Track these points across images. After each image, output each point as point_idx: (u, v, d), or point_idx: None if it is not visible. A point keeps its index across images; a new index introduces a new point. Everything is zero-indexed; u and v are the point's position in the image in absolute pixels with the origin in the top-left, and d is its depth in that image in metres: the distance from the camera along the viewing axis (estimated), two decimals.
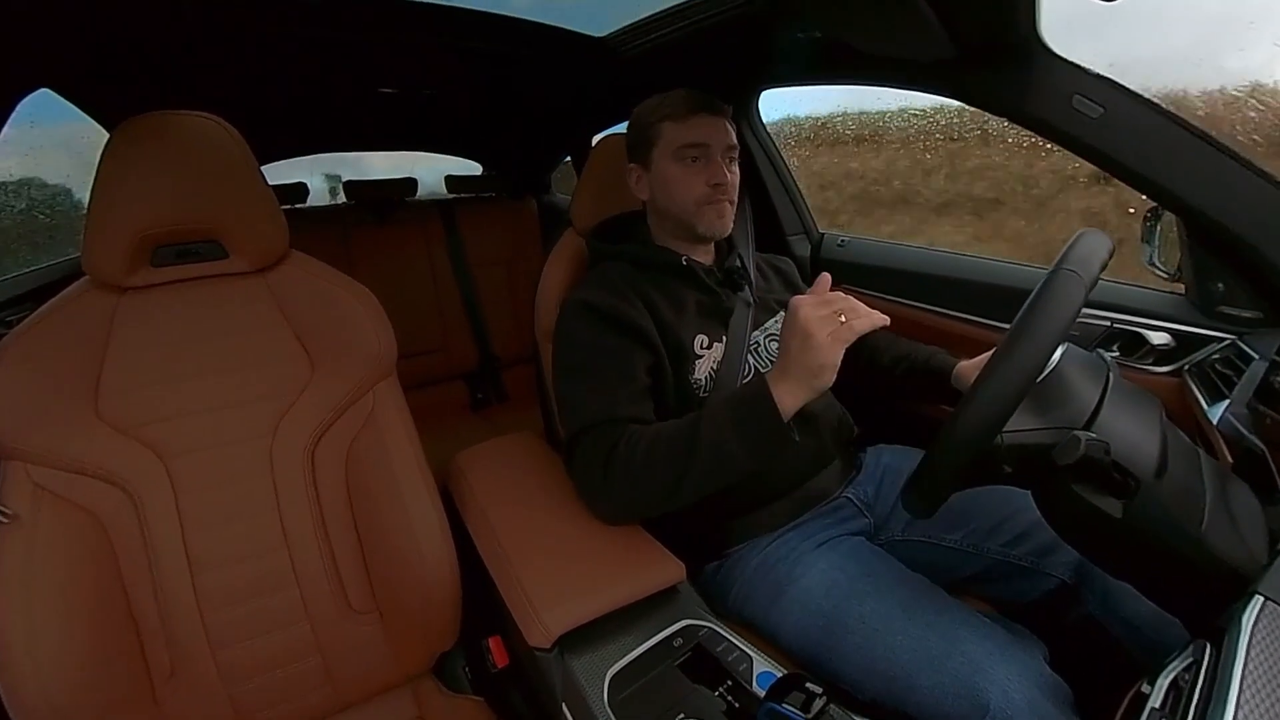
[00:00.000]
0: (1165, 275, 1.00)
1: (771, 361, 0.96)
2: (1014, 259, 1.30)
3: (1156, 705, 0.50)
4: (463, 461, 1.04)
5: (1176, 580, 0.58)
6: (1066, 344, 0.65)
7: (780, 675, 0.63)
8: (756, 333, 0.98)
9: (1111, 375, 0.64)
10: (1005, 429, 0.58)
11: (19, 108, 0.94)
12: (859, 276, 1.45)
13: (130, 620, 0.76)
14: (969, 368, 0.92)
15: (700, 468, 0.75)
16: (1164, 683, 0.51)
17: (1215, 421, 0.79)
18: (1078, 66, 0.86)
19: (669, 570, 0.77)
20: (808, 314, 0.71)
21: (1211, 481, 0.59)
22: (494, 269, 2.12)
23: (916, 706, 0.70)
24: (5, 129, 0.91)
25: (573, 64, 1.44)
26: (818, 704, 0.58)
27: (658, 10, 1.21)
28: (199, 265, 0.83)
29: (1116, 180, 0.90)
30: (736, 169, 0.97)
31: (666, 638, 0.70)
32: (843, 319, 0.70)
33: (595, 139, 1.31)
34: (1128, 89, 0.85)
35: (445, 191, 2.28)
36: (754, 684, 0.64)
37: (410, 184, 2.12)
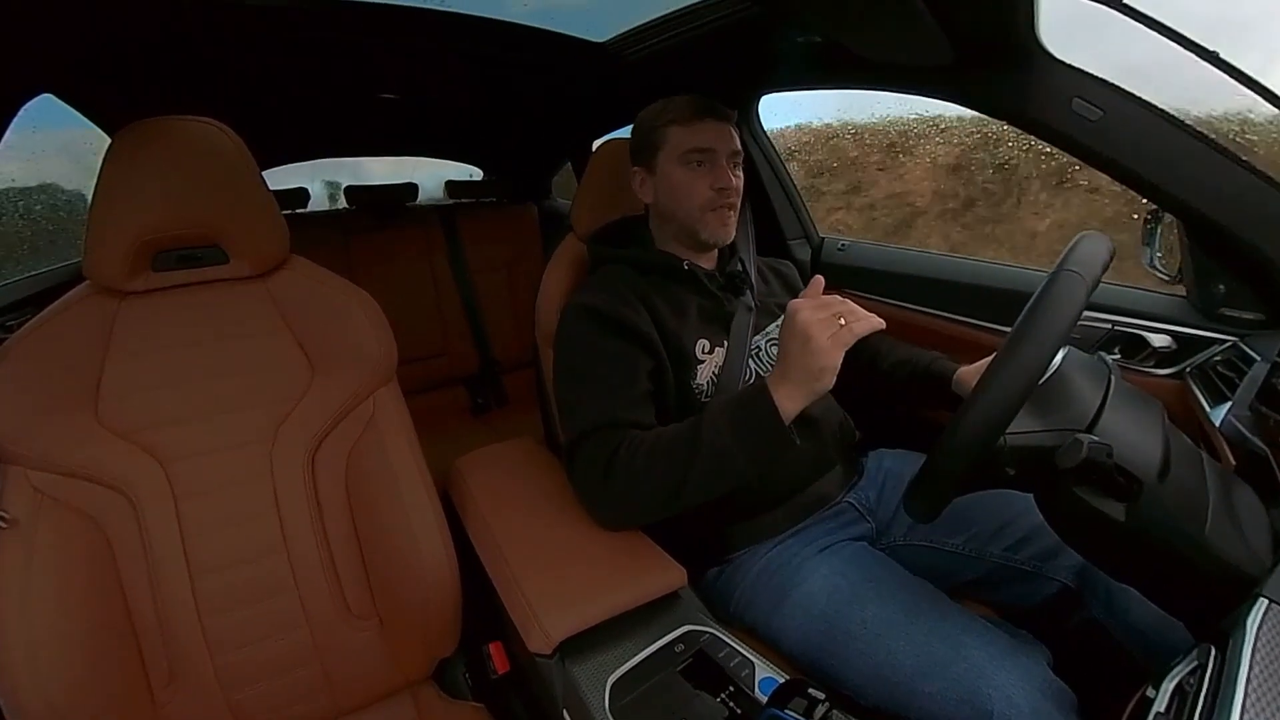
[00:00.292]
0: (1166, 277, 1.00)
1: (773, 366, 0.96)
2: (1013, 262, 1.30)
3: (1161, 709, 0.49)
4: (463, 466, 1.04)
5: (1180, 583, 0.58)
6: (1068, 347, 0.65)
7: (782, 681, 0.62)
8: (758, 337, 0.98)
9: (1113, 378, 0.64)
10: (1008, 431, 0.58)
11: (21, 113, 0.94)
12: (860, 280, 1.45)
13: (129, 625, 0.76)
14: (969, 373, 0.92)
15: (701, 472, 0.75)
16: (1169, 687, 0.51)
17: (1218, 424, 0.79)
18: (1077, 69, 0.86)
19: (670, 576, 0.77)
20: (807, 317, 0.71)
21: (1214, 484, 0.58)
22: (494, 274, 2.12)
23: (919, 712, 0.70)
24: (7, 134, 0.92)
25: (573, 69, 1.45)
26: (820, 710, 0.57)
27: (657, 15, 1.21)
28: (200, 270, 0.84)
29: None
30: (740, 175, 0.97)
31: (668, 643, 0.70)
32: (842, 322, 0.70)
33: (595, 144, 1.31)
34: (1127, 91, 0.85)
35: (445, 197, 2.29)
36: (756, 690, 0.63)
37: (411, 189, 2.12)
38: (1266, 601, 0.50)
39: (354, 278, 0.91)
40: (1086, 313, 0.79)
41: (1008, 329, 0.61)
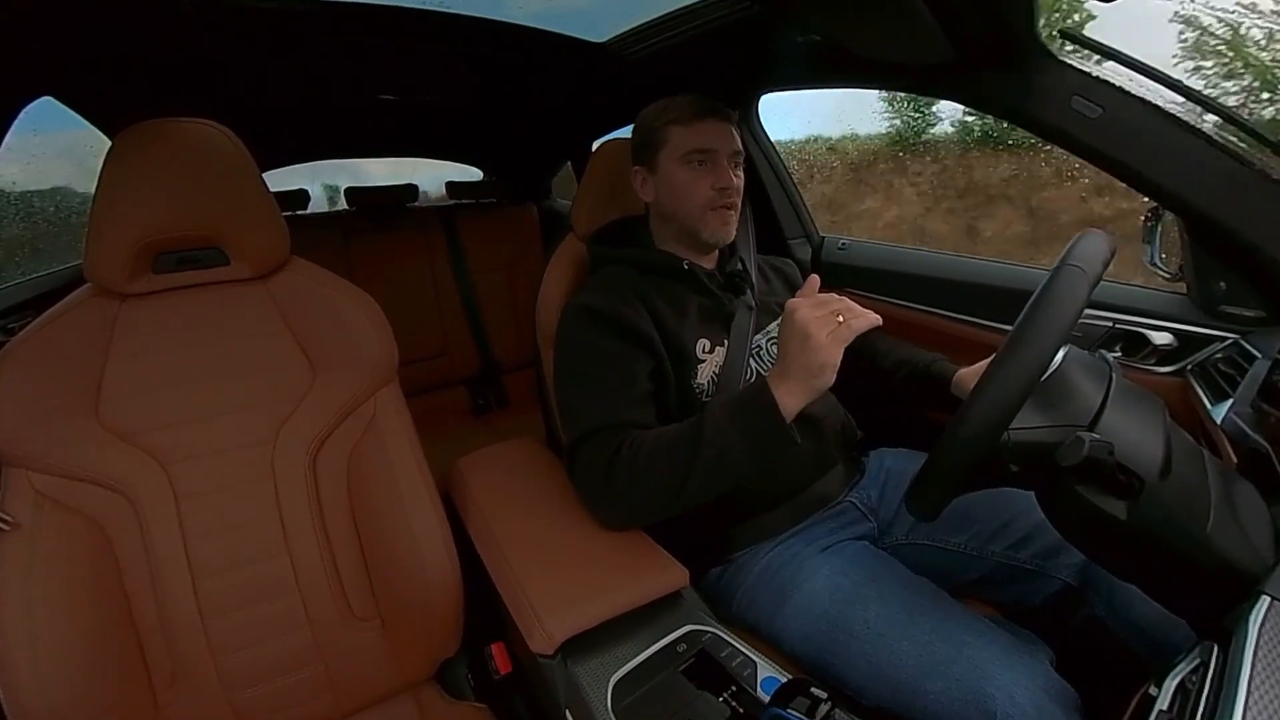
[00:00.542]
0: (1167, 275, 1.00)
1: (774, 364, 0.96)
2: (1014, 260, 1.30)
3: (1164, 707, 0.49)
4: (464, 467, 1.04)
5: (1182, 581, 0.58)
6: (1069, 345, 0.65)
7: (785, 680, 0.62)
8: (758, 336, 0.98)
9: (1114, 376, 0.64)
10: (1011, 426, 0.58)
11: (21, 115, 0.94)
12: (860, 279, 1.45)
13: (131, 626, 0.76)
14: (968, 375, 0.92)
15: (702, 471, 0.75)
16: (1171, 685, 0.51)
17: (1219, 421, 0.79)
18: (1076, 67, 0.86)
19: (672, 575, 0.77)
20: (806, 315, 0.72)
21: (1216, 482, 0.58)
22: (495, 274, 2.12)
23: (922, 712, 0.70)
24: (8, 137, 0.92)
25: (572, 70, 1.45)
26: (823, 709, 0.57)
27: (657, 15, 1.21)
28: (200, 272, 0.84)
29: None
30: (741, 175, 0.97)
31: (670, 643, 0.70)
32: (840, 319, 0.71)
33: (595, 144, 1.31)
34: (1126, 89, 0.85)
35: (446, 197, 2.29)
36: (758, 689, 0.63)
37: (411, 190, 2.12)
38: (1269, 599, 0.50)
39: (354, 279, 0.91)
40: (1087, 311, 0.79)
41: (1008, 327, 0.61)
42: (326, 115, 1.68)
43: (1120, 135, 0.86)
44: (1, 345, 0.74)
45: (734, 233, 0.97)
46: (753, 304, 0.99)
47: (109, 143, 0.77)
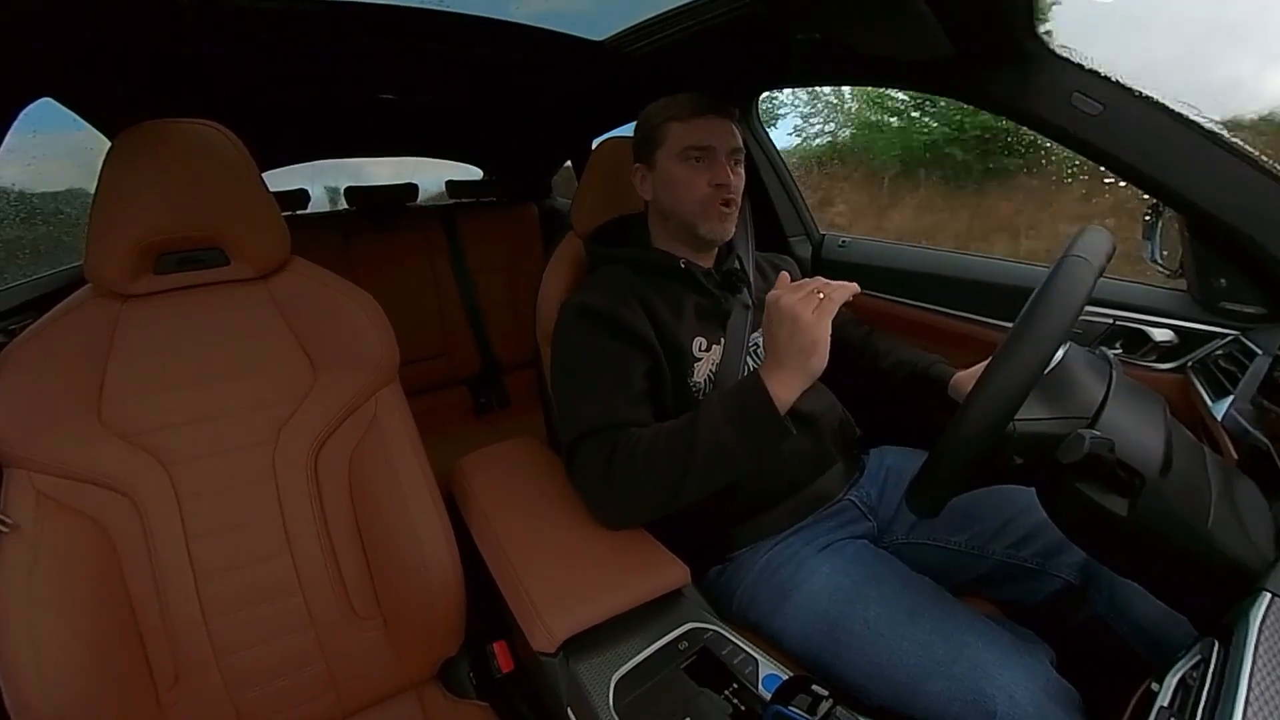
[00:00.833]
0: (1167, 272, 1.00)
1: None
2: (1015, 258, 1.30)
3: (1165, 703, 0.49)
4: (466, 466, 1.04)
5: (1183, 578, 0.58)
6: (1069, 343, 0.65)
7: (786, 678, 0.63)
8: (755, 335, 0.98)
9: (1115, 373, 0.64)
10: (1015, 418, 0.58)
11: (21, 117, 0.94)
12: (860, 277, 1.42)
13: (134, 627, 0.76)
14: (965, 377, 0.92)
15: (700, 467, 0.75)
16: (1172, 681, 0.51)
17: (1220, 418, 0.79)
18: (1076, 64, 0.86)
19: (673, 573, 0.77)
20: (787, 300, 0.73)
21: (1217, 478, 0.58)
22: (495, 274, 2.12)
23: (923, 711, 0.70)
24: (7, 138, 0.92)
25: (572, 68, 1.44)
26: (824, 706, 0.57)
27: (657, 13, 1.21)
28: (201, 272, 0.84)
29: None
30: (742, 172, 0.96)
31: (671, 641, 0.70)
32: (820, 295, 0.73)
33: (595, 142, 1.31)
34: (1127, 86, 0.85)
35: (446, 196, 2.29)
36: (760, 687, 0.63)
37: (411, 189, 2.12)
38: (1269, 595, 0.50)
39: (355, 279, 0.91)
40: (1088, 308, 0.79)
41: (1008, 325, 0.61)
42: (326, 115, 1.68)
43: (1121, 132, 0.86)
44: (3, 347, 0.74)
45: (732, 230, 0.97)
46: (749, 302, 0.99)
47: (108, 144, 0.77)
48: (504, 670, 0.88)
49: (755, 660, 0.67)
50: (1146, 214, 1.00)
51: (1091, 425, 0.58)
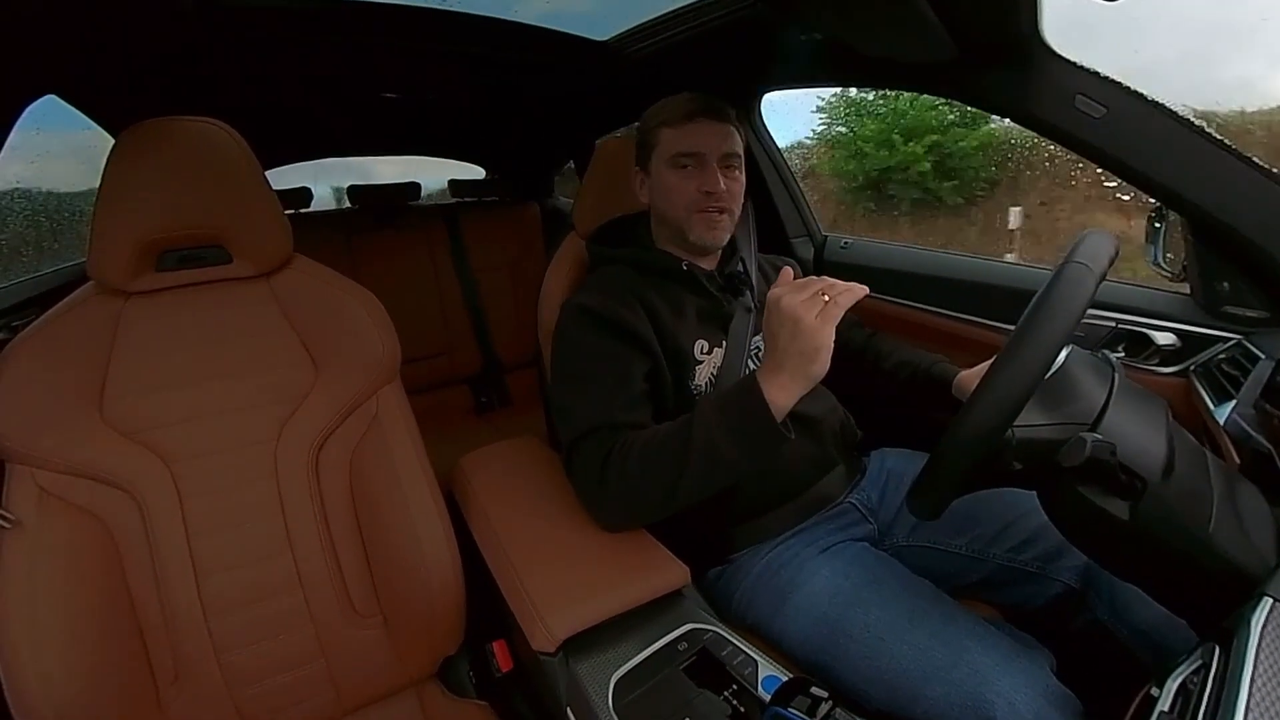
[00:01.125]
0: (1170, 275, 1.00)
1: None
2: (1018, 261, 1.29)
3: (1165, 708, 0.49)
4: (466, 465, 1.04)
5: (1184, 582, 0.58)
6: (1071, 345, 0.65)
7: (785, 680, 0.62)
8: (757, 338, 0.98)
9: (1117, 376, 0.64)
10: (1015, 424, 0.58)
11: (27, 114, 0.95)
12: (862, 278, 1.41)
13: (135, 624, 0.76)
14: (969, 377, 0.91)
15: (695, 471, 0.74)
16: (1172, 685, 0.51)
17: (1222, 422, 0.79)
18: (1080, 67, 0.86)
19: (673, 574, 0.77)
20: (790, 301, 0.69)
21: (1219, 482, 0.58)
22: (497, 273, 2.12)
23: (922, 716, 0.70)
24: (11, 135, 0.92)
25: (575, 68, 1.45)
26: (823, 708, 0.57)
27: (659, 14, 1.21)
28: (203, 270, 0.84)
29: None
30: (740, 176, 0.95)
31: (671, 641, 0.70)
32: (825, 298, 0.68)
33: (598, 142, 1.31)
34: (1130, 89, 0.84)
35: (449, 195, 2.29)
36: (759, 688, 0.63)
37: (414, 188, 2.13)
38: (1271, 600, 0.50)
39: (357, 277, 0.91)
40: (1090, 310, 0.79)
41: (1011, 327, 0.61)
42: (329, 114, 1.68)
43: (1124, 135, 0.86)
44: (5, 343, 0.75)
45: (724, 237, 0.96)
46: (751, 305, 0.99)
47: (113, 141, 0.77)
48: (503, 669, 0.88)
49: (755, 661, 0.67)
50: (1150, 217, 1.00)
51: (1093, 429, 0.58)
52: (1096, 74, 0.86)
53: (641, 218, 1.04)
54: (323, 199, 2.18)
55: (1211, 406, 0.83)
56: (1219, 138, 0.82)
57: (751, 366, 0.95)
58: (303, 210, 2.03)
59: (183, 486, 0.80)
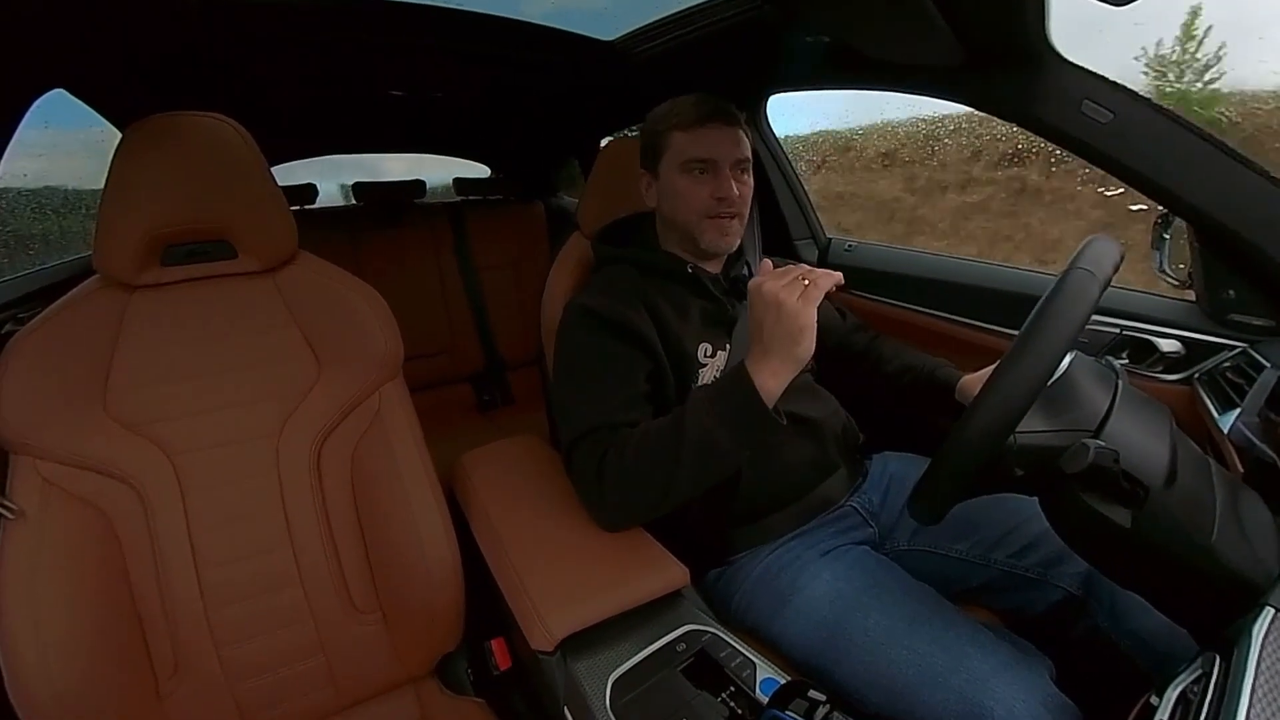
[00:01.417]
0: (1175, 282, 0.99)
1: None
2: (1023, 265, 1.29)
3: (1165, 717, 0.49)
4: (468, 463, 1.04)
5: (1185, 591, 0.58)
6: (1075, 352, 0.65)
7: (783, 682, 0.62)
8: None
9: (1121, 383, 0.64)
10: (1017, 430, 0.58)
11: (34, 108, 0.95)
12: (866, 282, 1.44)
13: (135, 616, 0.77)
14: (972, 381, 0.91)
15: (690, 462, 0.74)
16: (1172, 694, 0.51)
17: (1226, 430, 0.78)
18: (1087, 71, 0.86)
19: (673, 575, 0.77)
20: (771, 286, 0.71)
21: (1222, 491, 0.58)
22: (501, 271, 2.13)
23: None
24: (19, 129, 0.93)
25: (581, 68, 1.45)
26: (821, 712, 0.57)
27: (667, 14, 1.21)
28: (208, 265, 0.84)
29: None
30: (749, 180, 0.95)
31: (670, 642, 0.70)
32: (805, 281, 0.71)
33: (603, 142, 1.32)
34: (1138, 94, 0.84)
35: (453, 193, 2.30)
36: (757, 690, 0.63)
37: (418, 186, 2.13)
38: (1273, 611, 0.50)
39: (361, 274, 0.91)
40: (1095, 316, 0.78)
41: (1015, 331, 0.60)
42: (336, 110, 1.69)
43: (1131, 141, 0.85)
44: (11, 335, 0.75)
45: (735, 242, 0.96)
46: None
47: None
48: (502, 667, 0.88)
49: (753, 664, 0.67)
50: (1157, 223, 0.99)
51: (1096, 435, 0.58)
52: (1104, 79, 0.85)
53: (647, 218, 1.04)
54: (331, 196, 2.19)
55: (1216, 415, 0.83)
56: (1227, 143, 0.82)
57: None
58: (308, 207, 2.04)
59: (185, 480, 0.80)
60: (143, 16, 0.94)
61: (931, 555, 0.93)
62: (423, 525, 0.86)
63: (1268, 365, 0.82)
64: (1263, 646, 0.47)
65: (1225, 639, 0.50)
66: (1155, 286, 1.05)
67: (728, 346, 0.94)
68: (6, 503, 0.70)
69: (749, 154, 0.95)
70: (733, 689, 0.64)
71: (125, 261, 0.78)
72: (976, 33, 0.82)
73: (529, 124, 2.02)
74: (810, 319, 0.70)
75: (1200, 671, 0.50)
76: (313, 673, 0.85)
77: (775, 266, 0.77)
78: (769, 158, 1.56)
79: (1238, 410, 0.79)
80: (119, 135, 0.78)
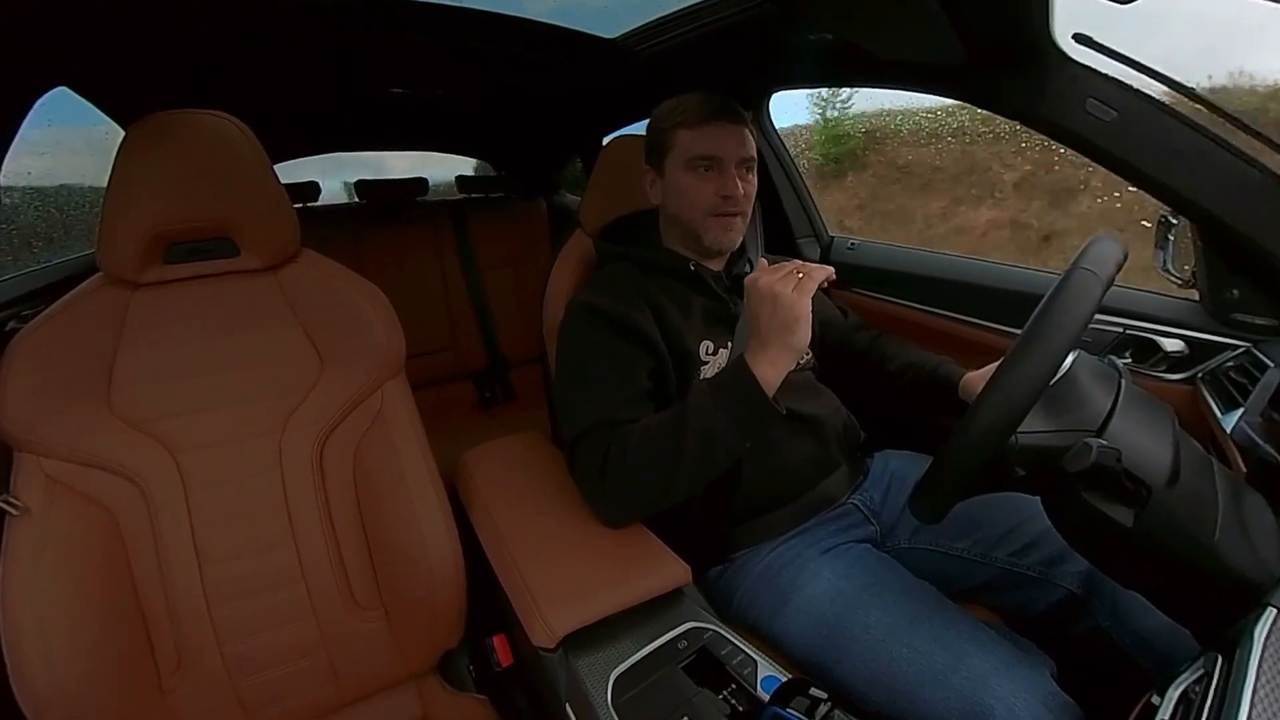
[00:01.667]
0: (1179, 281, 0.99)
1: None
2: (1025, 264, 1.29)
3: (1166, 717, 0.49)
4: (470, 461, 1.04)
5: (1187, 591, 0.58)
6: (1078, 350, 0.65)
7: (784, 680, 0.62)
8: None
9: (1124, 382, 0.63)
10: (1019, 430, 0.58)
11: (36, 107, 0.95)
12: (868, 280, 1.44)
13: (139, 613, 0.77)
14: (976, 378, 0.91)
15: (691, 456, 0.75)
16: (1174, 694, 0.50)
17: (1229, 430, 0.78)
18: (1091, 69, 0.85)
19: (674, 572, 0.77)
20: (767, 280, 0.74)
21: (1224, 491, 0.58)
22: (503, 269, 2.13)
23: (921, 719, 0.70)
24: (23, 127, 0.93)
25: (583, 66, 1.45)
26: (822, 709, 0.57)
27: (669, 12, 1.21)
28: (211, 263, 0.84)
29: None
30: (753, 179, 0.95)
31: (671, 640, 0.70)
32: (799, 274, 0.74)
33: (605, 140, 1.32)
34: (1142, 92, 0.84)
35: (456, 190, 2.30)
36: (758, 688, 0.63)
37: (421, 184, 2.13)
38: (1275, 611, 0.50)
39: (364, 271, 0.91)
40: (1098, 316, 0.78)
41: (1017, 330, 0.60)
42: (338, 108, 1.69)
43: (1135, 139, 0.85)
44: (15, 333, 0.75)
45: (738, 240, 0.97)
46: None
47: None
48: (503, 664, 0.88)
49: (754, 661, 0.67)
50: (1160, 222, 0.99)
51: (1099, 434, 0.58)
52: (1108, 77, 0.85)
53: (649, 216, 1.04)
54: (335, 194, 2.19)
55: (1219, 414, 0.82)
56: (1231, 142, 0.82)
57: None
58: (311, 205, 2.04)
59: (188, 477, 0.80)
60: (146, 14, 0.94)
61: (933, 553, 0.93)
62: (425, 522, 0.86)
63: (1271, 365, 0.82)
64: (1265, 647, 0.47)
65: (1227, 639, 0.50)
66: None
67: (729, 344, 0.94)
68: (11, 499, 0.71)
69: (754, 153, 0.95)
70: (734, 686, 0.64)
71: (128, 259, 0.78)
72: (979, 30, 0.82)
73: (531, 122, 2.02)
74: (805, 308, 0.73)
75: (1202, 671, 0.50)
76: (315, 669, 0.86)
77: (770, 264, 0.78)
78: (771, 156, 1.56)
79: (1241, 410, 0.79)
80: (122, 133, 0.78)
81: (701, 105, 0.92)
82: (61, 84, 1.00)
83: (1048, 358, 0.56)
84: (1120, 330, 1.03)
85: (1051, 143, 0.94)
